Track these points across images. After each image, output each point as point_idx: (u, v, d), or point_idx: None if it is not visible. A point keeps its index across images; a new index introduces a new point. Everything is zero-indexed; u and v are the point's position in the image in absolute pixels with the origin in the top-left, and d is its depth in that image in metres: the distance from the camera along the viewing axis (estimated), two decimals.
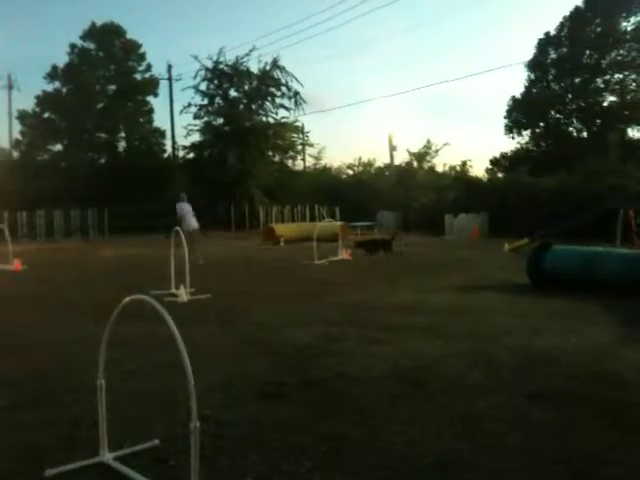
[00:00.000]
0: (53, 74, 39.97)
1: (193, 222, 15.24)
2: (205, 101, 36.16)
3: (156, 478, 3.12)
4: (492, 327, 6.84)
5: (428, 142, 41.32)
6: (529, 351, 5.74)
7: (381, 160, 44.08)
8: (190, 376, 2.76)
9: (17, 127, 40.79)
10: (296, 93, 35.81)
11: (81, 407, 4.21)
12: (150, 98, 42.00)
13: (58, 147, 40.57)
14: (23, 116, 40.19)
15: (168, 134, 41.28)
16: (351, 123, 68.68)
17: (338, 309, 8.12)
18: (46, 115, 40.22)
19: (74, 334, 6.72)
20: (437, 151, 41.20)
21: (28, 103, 40.60)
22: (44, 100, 39.81)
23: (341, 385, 4.77)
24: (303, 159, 42.74)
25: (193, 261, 13.86)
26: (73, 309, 8.56)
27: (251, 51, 35.00)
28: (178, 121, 53.05)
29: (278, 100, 36.24)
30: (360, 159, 44.99)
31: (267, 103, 36.30)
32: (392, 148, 37.57)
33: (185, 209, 15.44)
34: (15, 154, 40.87)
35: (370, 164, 44.65)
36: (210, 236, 24.66)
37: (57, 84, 40.17)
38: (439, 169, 40.61)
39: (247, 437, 3.73)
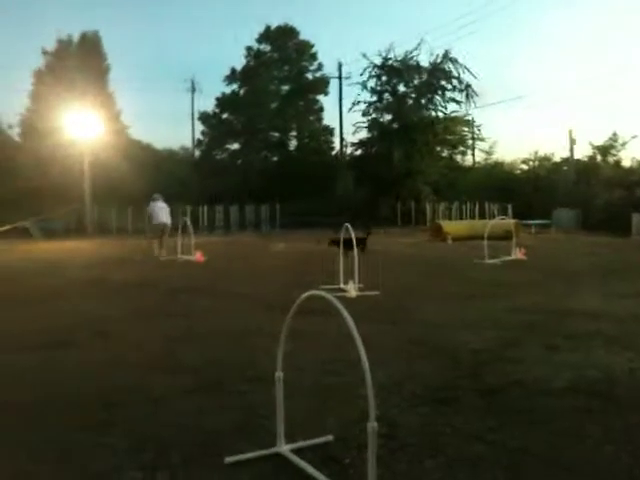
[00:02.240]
0: (231, 77, 42.58)
1: (163, 216, 16.00)
2: (374, 98, 36.45)
3: (331, 475, 3.08)
4: None
5: (614, 135, 38.11)
6: None
7: (559, 154, 41.25)
8: (368, 375, 2.68)
9: (199, 128, 44.03)
10: (468, 86, 34.88)
11: (257, 397, 4.33)
12: (320, 97, 43.24)
13: (235, 146, 43.15)
14: (204, 117, 43.22)
15: (337, 132, 42.24)
16: (525, 115, 65.33)
17: (513, 312, 7.67)
18: (224, 116, 42.95)
19: (249, 325, 7.00)
20: (624, 144, 37.89)
21: (209, 105, 43.53)
22: (223, 102, 42.54)
23: (520, 394, 4.45)
24: (473, 154, 41.42)
25: (157, 255, 15.07)
26: (248, 300, 8.94)
27: (420, 45, 34.72)
28: (347, 119, 54.11)
29: (449, 94, 35.57)
30: (536, 153, 42.53)
31: (437, 97, 35.76)
32: (572, 142, 35.20)
33: (158, 206, 16.20)
34: (197, 153, 44.14)
35: (547, 159, 42.00)
36: (372, 233, 24.78)
37: (235, 86, 42.71)
38: (626, 163, 37.34)
39: (422, 442, 3.58)
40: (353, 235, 9.75)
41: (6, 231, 27.60)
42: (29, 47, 68.87)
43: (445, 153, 37.72)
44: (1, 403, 4.30)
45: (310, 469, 3.14)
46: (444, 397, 4.36)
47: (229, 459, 3.29)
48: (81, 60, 35.53)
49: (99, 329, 6.80)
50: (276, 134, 42.71)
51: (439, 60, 34.96)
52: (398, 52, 35.58)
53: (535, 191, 33.37)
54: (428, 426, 3.83)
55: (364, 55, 35.58)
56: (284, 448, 3.37)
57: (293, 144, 43.56)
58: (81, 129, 30.17)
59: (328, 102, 49.19)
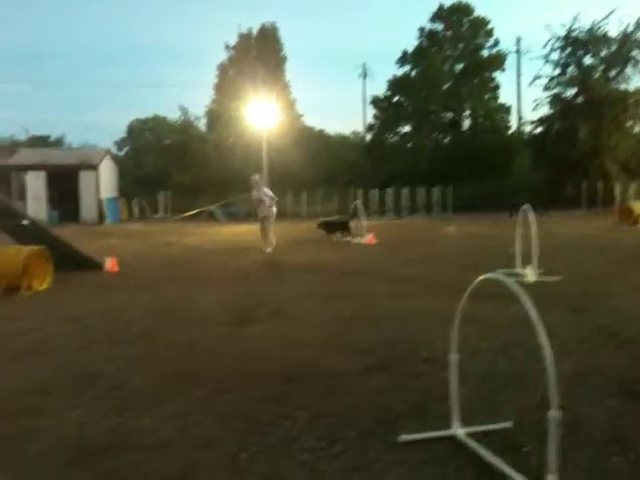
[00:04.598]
0: (403, 59, 42.21)
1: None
2: (557, 71, 34.26)
3: (509, 462, 2.97)
4: None
5: None
6: None
7: None
8: (550, 362, 2.55)
9: (370, 112, 44.34)
10: None
11: (431, 379, 4.31)
12: (496, 74, 41.46)
13: (406, 128, 42.82)
14: (375, 101, 43.37)
15: (514, 110, 40.30)
16: None
17: None
18: (396, 99, 42.72)
19: (422, 307, 6.97)
20: None
21: (380, 89, 43.56)
22: (394, 84, 42.30)
23: None
24: None
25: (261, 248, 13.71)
26: (420, 283, 8.89)
27: (610, 14, 31.88)
28: (525, 96, 51.38)
29: None
30: None
31: (628, 69, 32.76)
32: None
33: (265, 193, 15.01)
34: (368, 137, 44.52)
35: None
36: (552, 215, 23.44)
37: (407, 68, 42.33)
38: None
39: (609, 436, 3.34)
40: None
41: (195, 215, 30.14)
42: (214, 42, 73.88)
43: (637, 129, 34.46)
44: (193, 375, 4.70)
45: (487, 454, 3.06)
46: (635, 390, 4.03)
47: (403, 437, 3.31)
48: (260, 52, 37.37)
49: (278, 308, 7.16)
50: (449, 114, 41.70)
51: (631, 29, 31.99)
52: (584, 23, 33.05)
53: None
54: (617, 420, 3.57)
55: (547, 26, 33.46)
56: (459, 431, 3.32)
57: (467, 124, 42.22)
58: (260, 118, 31.73)
59: (504, 79, 47.14)
